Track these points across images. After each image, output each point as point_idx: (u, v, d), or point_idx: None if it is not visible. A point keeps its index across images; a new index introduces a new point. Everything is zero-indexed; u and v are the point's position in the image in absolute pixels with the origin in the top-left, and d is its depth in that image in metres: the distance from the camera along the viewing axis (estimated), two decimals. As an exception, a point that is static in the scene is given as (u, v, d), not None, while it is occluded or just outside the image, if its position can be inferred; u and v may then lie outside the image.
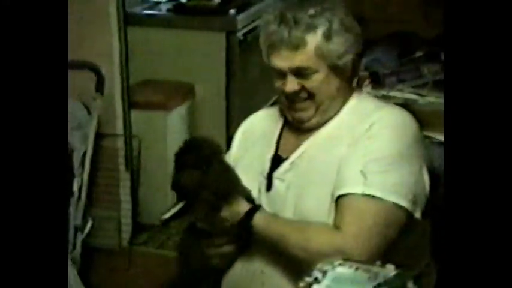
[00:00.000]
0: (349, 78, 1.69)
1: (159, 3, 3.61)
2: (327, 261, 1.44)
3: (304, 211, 1.59)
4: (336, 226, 1.53)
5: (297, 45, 1.59)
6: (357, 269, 1.39)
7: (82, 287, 2.51)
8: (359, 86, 1.86)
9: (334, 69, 1.62)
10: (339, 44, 1.61)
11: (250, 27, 3.43)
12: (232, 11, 3.39)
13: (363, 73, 2.28)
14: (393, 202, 1.54)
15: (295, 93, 1.63)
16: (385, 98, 2.19)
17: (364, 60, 2.34)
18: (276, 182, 1.67)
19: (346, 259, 1.38)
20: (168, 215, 3.36)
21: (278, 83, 1.65)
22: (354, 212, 1.53)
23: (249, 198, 1.65)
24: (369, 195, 1.53)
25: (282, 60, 1.61)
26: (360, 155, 1.57)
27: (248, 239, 1.61)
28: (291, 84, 1.62)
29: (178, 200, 1.63)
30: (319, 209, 1.58)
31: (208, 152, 1.61)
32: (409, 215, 1.57)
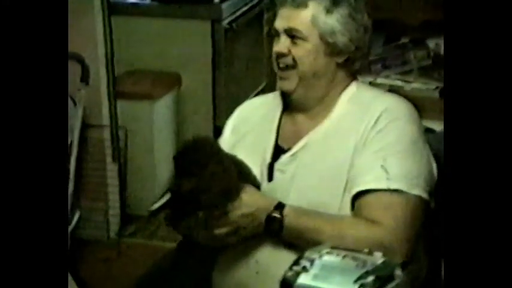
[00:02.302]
0: (343, 65, 1.67)
1: (143, -8, 3.59)
2: (314, 249, 1.44)
3: (310, 204, 1.58)
4: (371, 220, 1.53)
5: (298, 6, 1.63)
6: (344, 257, 1.39)
7: (71, 279, 2.50)
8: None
9: (325, 44, 1.63)
10: (338, 22, 1.62)
11: (235, 15, 3.42)
12: (217, 0, 3.37)
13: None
14: (415, 194, 1.55)
15: (282, 56, 1.64)
16: (372, 85, 2.18)
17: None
18: (277, 174, 1.66)
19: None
20: (156, 206, 3.36)
21: (273, 48, 1.68)
22: (384, 207, 1.53)
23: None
24: (394, 190, 1.54)
25: (280, 20, 1.65)
26: (375, 150, 1.57)
27: (277, 234, 1.57)
28: (281, 45, 1.64)
29: (183, 209, 1.59)
30: (326, 202, 1.58)
31: (203, 155, 1.58)
32: (428, 205, 1.58)
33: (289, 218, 1.55)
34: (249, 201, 1.56)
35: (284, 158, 1.66)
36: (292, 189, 1.62)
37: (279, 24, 1.65)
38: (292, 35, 1.63)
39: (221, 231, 1.56)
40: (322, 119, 1.67)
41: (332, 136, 1.64)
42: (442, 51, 2.28)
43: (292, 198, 1.60)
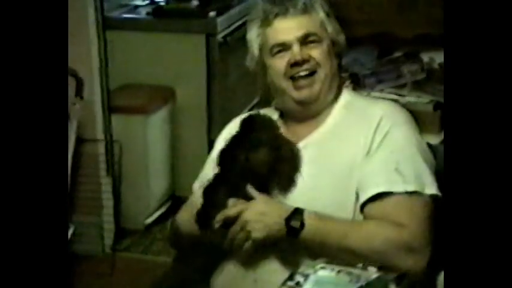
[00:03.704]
0: (339, 67, 1.72)
1: (138, 6, 3.60)
2: (309, 264, 1.44)
3: (308, 206, 1.57)
4: (393, 222, 1.53)
5: (303, 11, 1.65)
6: (338, 272, 1.40)
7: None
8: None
9: (334, 45, 1.68)
10: (335, 22, 1.69)
11: (230, 29, 3.43)
12: (211, 14, 3.38)
13: (343, 74, 2.28)
14: (430, 194, 1.56)
15: (304, 62, 1.63)
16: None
17: (344, 60, 2.34)
18: None
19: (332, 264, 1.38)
20: (150, 220, 3.35)
21: (280, 62, 1.65)
22: (406, 210, 1.54)
23: None
24: (411, 192, 1.55)
25: (286, 31, 1.64)
26: (386, 154, 1.58)
27: (297, 235, 1.53)
28: (299, 53, 1.63)
29: (251, 181, 1.56)
30: (327, 203, 1.57)
31: (276, 134, 1.61)
32: (440, 202, 1.59)
33: (311, 220, 1.52)
34: (265, 206, 1.56)
35: None
36: (289, 194, 1.61)
37: (287, 35, 1.64)
38: (307, 41, 1.64)
39: (246, 247, 1.54)
40: (318, 125, 1.68)
41: (330, 141, 1.65)
42: (435, 65, 2.28)
43: (290, 202, 1.59)
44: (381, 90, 2.21)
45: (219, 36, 3.34)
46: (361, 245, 1.50)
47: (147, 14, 3.49)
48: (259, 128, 1.60)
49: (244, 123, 1.63)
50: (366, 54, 2.38)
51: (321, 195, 1.59)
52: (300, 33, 1.64)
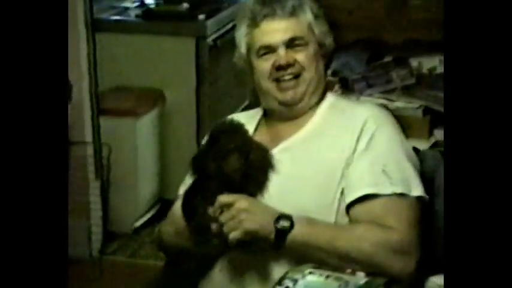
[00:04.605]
0: (325, 70, 1.73)
1: (127, 9, 3.59)
2: (297, 269, 1.44)
3: (292, 208, 1.56)
4: (381, 225, 1.53)
5: (290, 15, 1.65)
6: (327, 277, 1.40)
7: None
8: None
9: (321, 47, 1.68)
10: (323, 24, 1.69)
11: (220, 32, 3.42)
12: (201, 17, 3.38)
13: (333, 78, 2.28)
14: (416, 196, 1.57)
15: (288, 66, 1.63)
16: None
17: (333, 65, 2.35)
18: None
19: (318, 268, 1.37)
20: (139, 223, 3.33)
21: (265, 64, 1.65)
22: (393, 212, 1.54)
23: None
24: (398, 194, 1.55)
25: (273, 33, 1.64)
26: (372, 156, 1.58)
27: (279, 246, 1.52)
28: (284, 57, 1.63)
29: (220, 189, 1.53)
30: (309, 206, 1.56)
31: (247, 139, 1.59)
32: (425, 204, 1.60)
33: (300, 223, 1.51)
34: (257, 203, 1.54)
35: None
36: (275, 194, 1.59)
37: (274, 37, 1.64)
38: (293, 44, 1.64)
39: (235, 234, 1.49)
40: (302, 126, 1.68)
41: (313, 141, 1.65)
42: (424, 70, 2.29)
43: (274, 205, 1.57)
44: (370, 95, 2.21)
45: (209, 39, 3.34)
46: (351, 248, 1.49)
47: (137, 16, 3.48)
48: (227, 135, 1.58)
49: (213, 130, 1.62)
50: (356, 58, 2.39)
51: (302, 195, 1.59)
52: (286, 36, 1.64)
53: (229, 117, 1.69)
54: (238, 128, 1.61)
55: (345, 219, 1.58)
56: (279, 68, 1.64)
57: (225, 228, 1.49)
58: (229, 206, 1.50)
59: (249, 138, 1.62)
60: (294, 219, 1.51)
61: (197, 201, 1.56)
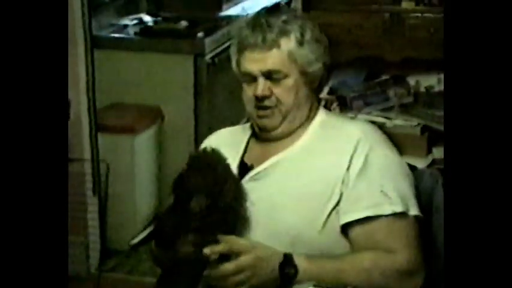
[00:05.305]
0: (316, 90, 1.72)
1: (126, 26, 3.60)
2: (299, 287, 1.43)
3: (280, 224, 1.57)
4: (384, 249, 1.53)
5: (270, 47, 1.62)
6: (328, 294, 1.39)
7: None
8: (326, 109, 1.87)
9: (304, 76, 1.65)
10: (310, 51, 1.65)
11: (218, 50, 3.44)
12: (200, 34, 3.39)
13: (331, 97, 2.30)
14: (414, 215, 1.58)
15: (264, 98, 1.64)
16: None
17: (331, 83, 2.36)
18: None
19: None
20: (136, 240, 3.32)
21: (248, 90, 1.66)
22: (394, 233, 1.54)
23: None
24: (398, 214, 1.55)
25: (254, 63, 1.63)
26: (369, 176, 1.57)
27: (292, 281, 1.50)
28: (262, 88, 1.63)
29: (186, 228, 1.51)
30: (299, 223, 1.56)
31: (217, 172, 1.54)
32: (421, 223, 1.60)
33: (303, 263, 1.50)
34: (259, 246, 1.51)
35: (250, 175, 1.66)
36: (263, 210, 1.59)
37: (254, 67, 1.64)
38: (271, 76, 1.63)
39: (238, 277, 1.47)
40: (292, 143, 1.68)
41: (303, 158, 1.65)
42: (422, 89, 2.31)
43: (260, 219, 1.58)
44: (369, 113, 2.22)
45: (207, 57, 3.35)
46: (360, 281, 1.49)
47: (136, 33, 3.50)
48: (198, 171, 1.55)
49: (189, 160, 1.59)
50: (354, 76, 2.40)
51: (290, 210, 1.58)
52: (264, 68, 1.63)
53: (209, 146, 1.65)
54: (213, 161, 1.57)
55: (330, 237, 1.57)
56: (256, 97, 1.65)
57: (229, 284, 1.48)
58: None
59: (223, 172, 1.56)
60: (296, 261, 1.50)
61: (169, 222, 1.54)
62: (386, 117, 2.17)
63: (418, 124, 2.14)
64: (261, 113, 1.66)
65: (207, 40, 3.37)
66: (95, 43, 3.00)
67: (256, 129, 1.71)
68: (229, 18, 3.74)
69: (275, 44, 1.62)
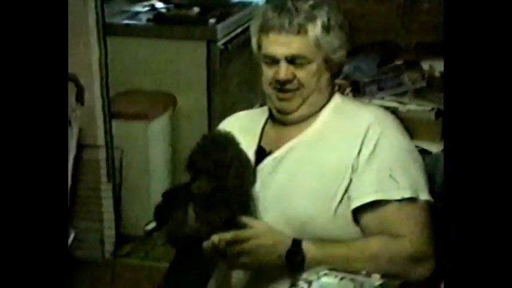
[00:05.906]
0: (335, 75, 1.72)
1: (138, 13, 3.61)
2: (312, 271, 1.45)
3: (292, 209, 1.58)
4: (393, 235, 1.53)
5: (296, 32, 1.61)
6: (342, 278, 1.41)
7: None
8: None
9: (328, 62, 1.65)
10: (335, 38, 1.64)
11: (230, 36, 3.44)
12: (212, 21, 3.39)
13: (344, 81, 2.29)
14: (425, 199, 1.57)
15: (286, 82, 1.63)
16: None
17: (345, 68, 2.35)
18: (260, 176, 1.65)
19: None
20: (151, 226, 3.34)
21: (269, 71, 1.66)
22: (403, 218, 1.54)
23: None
24: (408, 199, 1.55)
25: (278, 46, 1.62)
26: (378, 161, 1.58)
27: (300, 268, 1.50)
28: (285, 72, 1.62)
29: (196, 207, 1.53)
30: (310, 209, 1.57)
31: (226, 153, 1.54)
32: (433, 208, 1.59)
33: (311, 250, 1.51)
34: (267, 232, 1.52)
35: (267, 160, 1.66)
36: (276, 194, 1.61)
37: (278, 50, 1.63)
38: (296, 61, 1.63)
39: (242, 260, 1.49)
40: (306, 128, 1.68)
41: (316, 143, 1.65)
42: (436, 73, 2.29)
43: (273, 203, 1.59)
44: (382, 98, 2.21)
45: (220, 43, 3.36)
46: (368, 267, 1.49)
47: (148, 20, 3.50)
48: (207, 152, 1.55)
49: (201, 141, 1.59)
50: (367, 62, 2.39)
51: (302, 195, 1.59)
52: (289, 52, 1.62)
53: (223, 129, 1.67)
54: (221, 144, 1.57)
55: (341, 223, 1.57)
56: (278, 81, 1.65)
57: (232, 260, 1.50)
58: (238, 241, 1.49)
59: (232, 156, 1.56)
60: (304, 248, 1.50)
61: (173, 205, 1.57)
62: (400, 102, 2.16)
63: (432, 109, 2.13)
64: (281, 95, 1.66)
65: (219, 26, 3.37)
66: (107, 30, 3.00)
67: (274, 111, 1.71)
68: (242, 4, 3.73)
69: (302, 29, 1.61)
